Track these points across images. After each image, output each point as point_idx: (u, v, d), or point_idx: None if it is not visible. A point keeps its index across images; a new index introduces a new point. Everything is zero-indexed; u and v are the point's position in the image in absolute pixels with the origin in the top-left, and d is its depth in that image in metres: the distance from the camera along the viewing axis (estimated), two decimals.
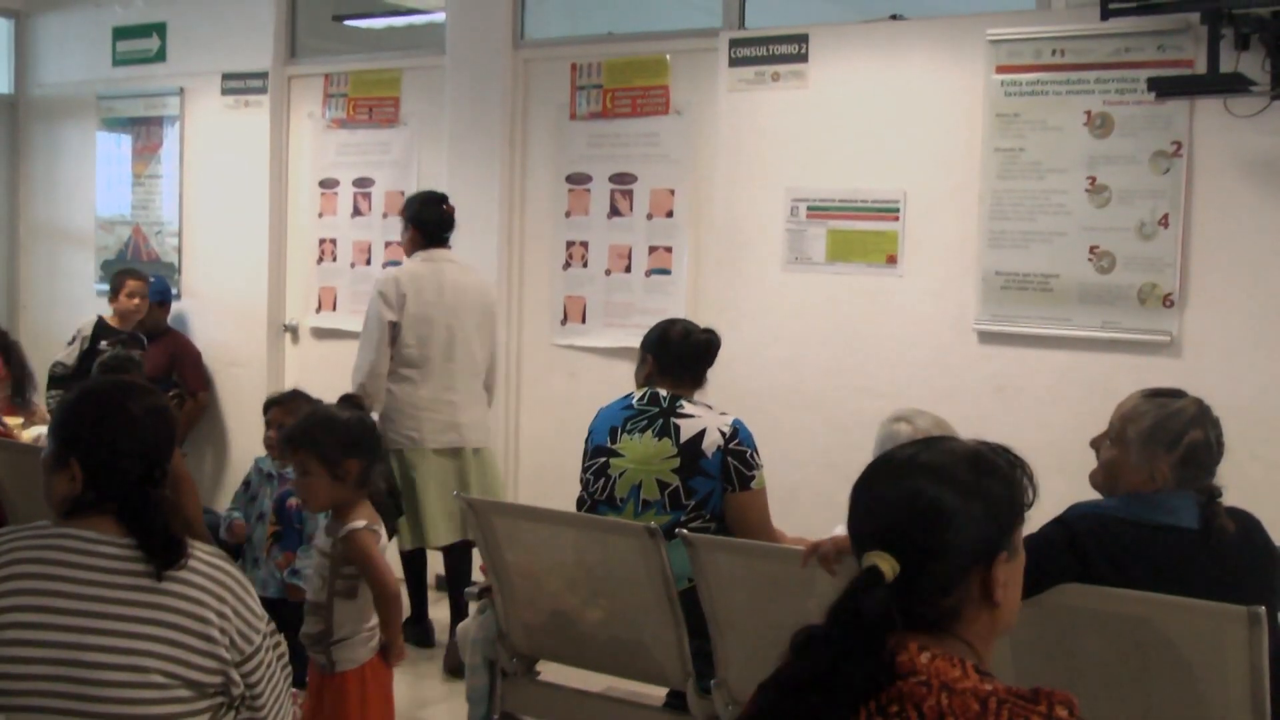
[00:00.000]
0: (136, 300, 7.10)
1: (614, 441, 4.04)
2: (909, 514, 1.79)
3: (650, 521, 3.64)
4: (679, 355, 4.15)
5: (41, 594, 2.31)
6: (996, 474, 1.85)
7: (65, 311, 8.10)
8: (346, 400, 3.97)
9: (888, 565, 1.74)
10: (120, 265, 7.59)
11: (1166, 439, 3.01)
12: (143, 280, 7.16)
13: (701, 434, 3.93)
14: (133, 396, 2.48)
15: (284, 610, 4.82)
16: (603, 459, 4.05)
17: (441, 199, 5.68)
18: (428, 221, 5.60)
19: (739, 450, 3.94)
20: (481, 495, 5.27)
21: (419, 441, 5.45)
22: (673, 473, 3.92)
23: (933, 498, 1.78)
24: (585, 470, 4.12)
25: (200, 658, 2.30)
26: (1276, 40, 4.46)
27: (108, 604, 2.30)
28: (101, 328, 7.06)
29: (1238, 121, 4.64)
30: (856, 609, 1.72)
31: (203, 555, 2.40)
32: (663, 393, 4.07)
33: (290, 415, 4.85)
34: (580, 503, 4.10)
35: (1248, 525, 3.02)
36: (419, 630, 5.68)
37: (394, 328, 5.42)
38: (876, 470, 1.88)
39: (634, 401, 4.09)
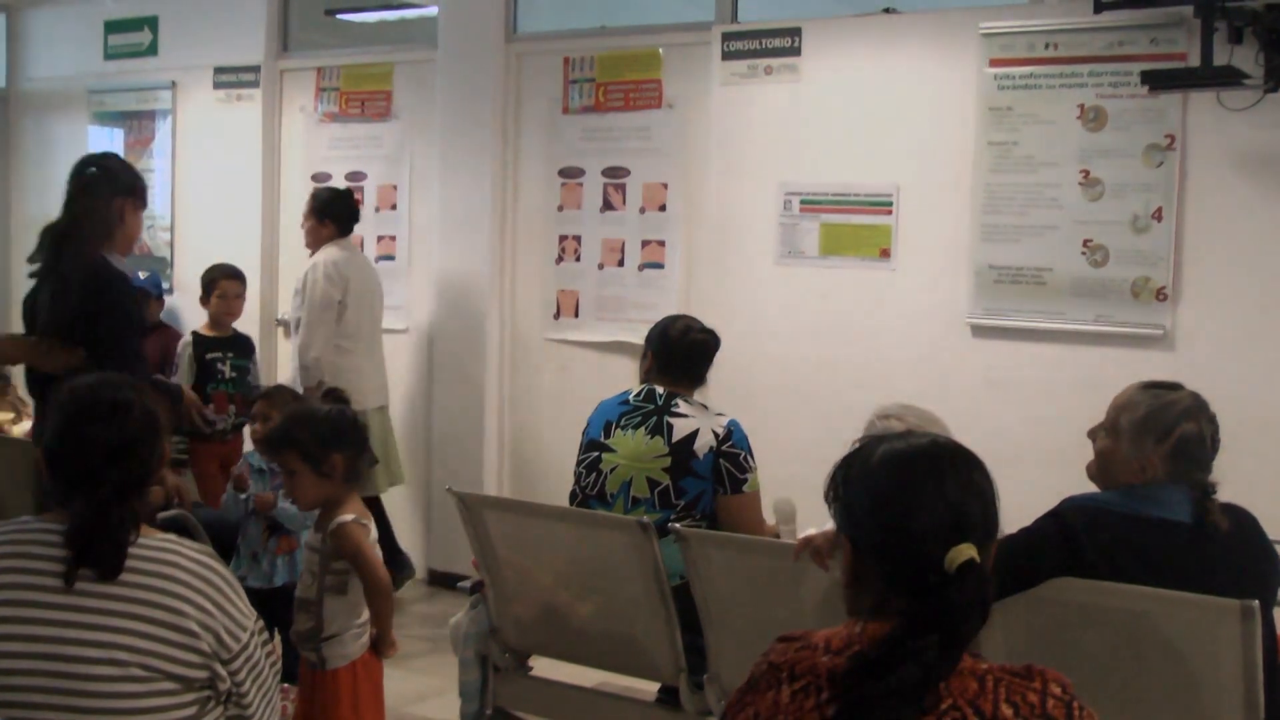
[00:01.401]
0: (230, 300, 6.44)
1: (607, 436, 4.03)
2: (981, 502, 1.85)
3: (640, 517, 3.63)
4: (676, 353, 4.14)
5: (23, 588, 2.31)
6: None
7: None
8: (329, 394, 3.95)
9: (976, 554, 1.78)
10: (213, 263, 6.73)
11: (1158, 430, 3.01)
12: (238, 279, 6.47)
13: (694, 435, 3.92)
14: (108, 397, 2.48)
15: (284, 601, 4.82)
16: (595, 454, 4.04)
17: (349, 194, 6.38)
18: (341, 214, 6.23)
19: (732, 452, 3.92)
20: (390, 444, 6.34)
21: (363, 403, 5.90)
22: (663, 471, 3.90)
23: (985, 484, 1.87)
24: (579, 464, 4.11)
25: (180, 651, 2.30)
26: (1269, 33, 4.45)
27: (85, 597, 2.30)
28: (200, 343, 6.34)
29: (1231, 114, 4.64)
30: (984, 600, 1.76)
31: (186, 551, 2.39)
32: (659, 390, 4.05)
33: (275, 409, 4.85)
34: (573, 497, 4.09)
35: (1243, 522, 3.01)
36: (396, 561, 6.00)
37: (340, 306, 6.08)
38: (923, 464, 1.87)
39: (631, 397, 4.08)
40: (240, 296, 6.46)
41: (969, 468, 1.87)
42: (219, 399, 6.16)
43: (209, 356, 6.26)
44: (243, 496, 4.81)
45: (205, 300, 6.41)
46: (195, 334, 6.40)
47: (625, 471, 3.95)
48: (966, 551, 1.76)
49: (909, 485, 1.84)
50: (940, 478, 1.84)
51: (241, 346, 6.44)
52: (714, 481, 3.90)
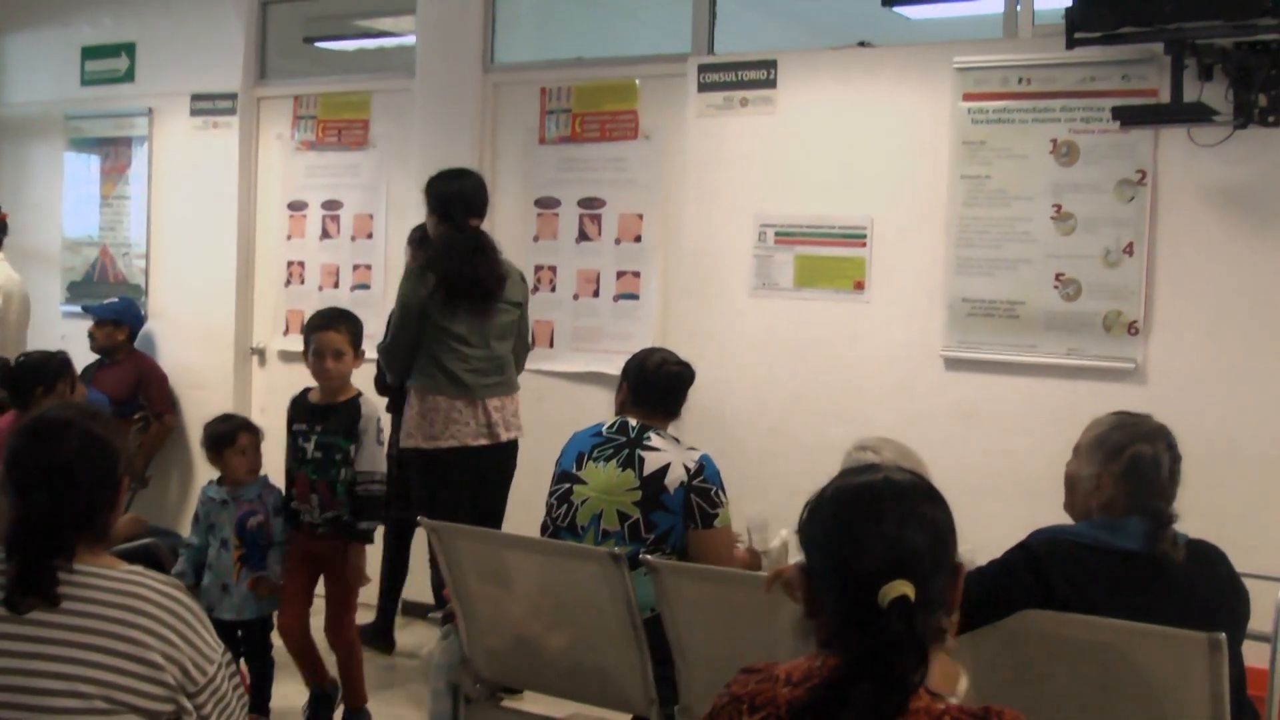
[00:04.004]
0: (324, 358, 4.82)
1: (579, 468, 4.03)
2: (930, 536, 1.86)
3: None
4: (651, 386, 4.15)
5: None
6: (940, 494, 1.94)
7: (31, 333, 8.04)
8: None
9: (911, 590, 1.79)
10: (322, 309, 5.21)
11: (1110, 447, 3.04)
12: (334, 329, 4.86)
13: (665, 469, 3.92)
14: (49, 418, 2.47)
15: (256, 632, 4.81)
16: (567, 485, 4.04)
17: None
18: None
19: (703, 487, 3.92)
20: None
21: None
22: (634, 505, 3.90)
23: (935, 520, 1.88)
24: (550, 495, 4.11)
25: (143, 683, 2.28)
26: (1239, 70, 4.49)
27: (46, 628, 2.29)
28: (293, 408, 4.98)
29: (1201, 150, 4.67)
30: (912, 635, 1.76)
31: (151, 583, 2.37)
32: (632, 422, 4.06)
33: (250, 436, 4.86)
34: (544, 528, 4.08)
35: (1209, 556, 3.03)
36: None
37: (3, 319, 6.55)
38: (864, 501, 1.90)
39: (604, 429, 4.08)
40: (339, 355, 4.82)
41: (916, 501, 1.88)
42: (299, 483, 4.81)
43: (295, 427, 4.90)
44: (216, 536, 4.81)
45: (305, 357, 4.97)
46: (302, 394, 5.03)
47: (596, 504, 3.94)
48: (899, 588, 1.78)
49: (848, 522, 1.88)
50: (879, 516, 1.86)
51: (338, 419, 4.82)
52: (684, 516, 3.90)
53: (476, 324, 5.16)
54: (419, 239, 5.62)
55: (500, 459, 5.31)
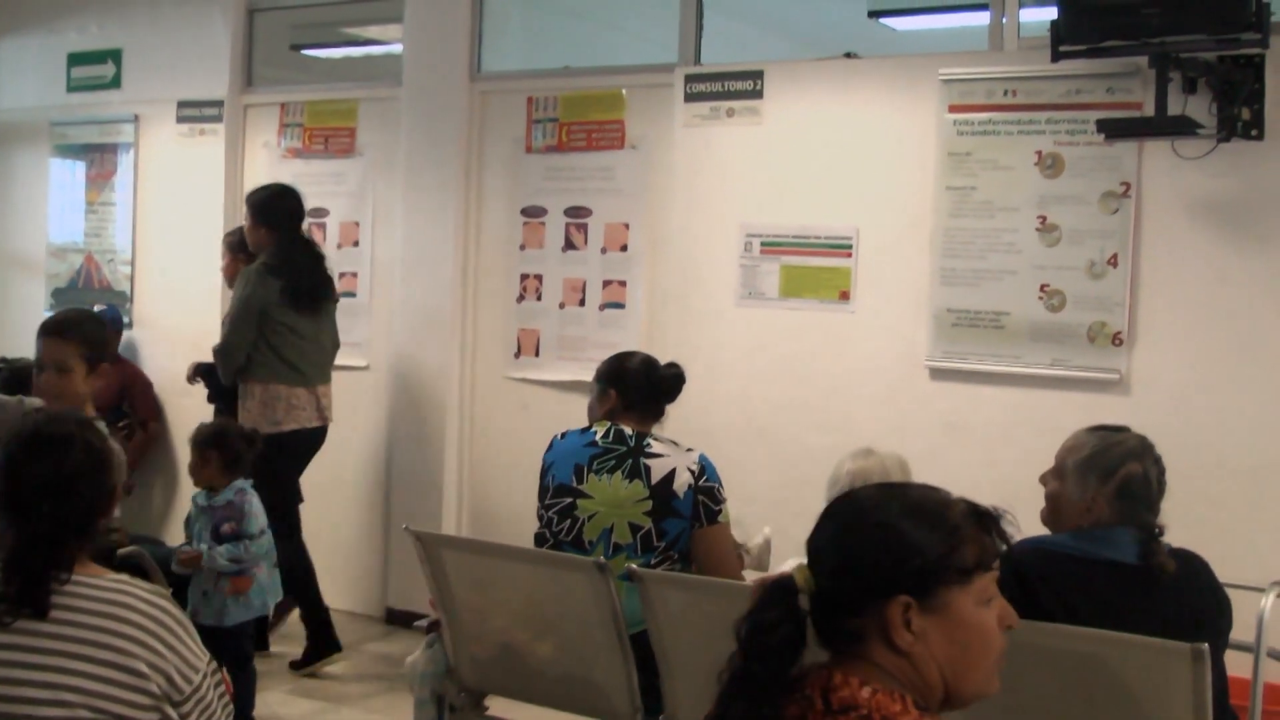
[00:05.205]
0: (46, 373, 3.85)
1: (580, 481, 3.92)
2: (828, 532, 1.91)
3: (622, 564, 3.60)
4: (647, 391, 4.09)
5: None
6: (927, 522, 1.87)
7: (14, 339, 8.02)
8: None
9: (803, 577, 1.85)
10: (58, 312, 4.78)
11: (1102, 469, 3.05)
12: (60, 335, 3.91)
13: (672, 474, 3.86)
14: (48, 432, 2.47)
15: (239, 639, 4.80)
16: (568, 499, 3.93)
17: None
18: None
19: (708, 487, 3.89)
20: None
21: None
22: (645, 515, 3.83)
23: (848, 521, 1.90)
24: (547, 509, 3.99)
25: (128, 693, 2.28)
26: (1223, 84, 4.52)
27: (31, 636, 2.28)
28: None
29: (1185, 163, 4.70)
30: (777, 618, 1.83)
31: (137, 592, 2.37)
32: (628, 430, 3.97)
33: (220, 449, 4.87)
34: (540, 540, 3.99)
35: (1193, 565, 3.05)
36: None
37: None
38: (833, 504, 1.98)
39: (598, 439, 3.97)
40: (63, 370, 3.81)
41: (871, 512, 1.90)
42: None
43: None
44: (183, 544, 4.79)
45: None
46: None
47: (605, 518, 3.86)
48: (793, 569, 1.88)
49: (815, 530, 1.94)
50: (829, 517, 1.94)
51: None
52: (692, 518, 3.86)
53: (309, 321, 5.82)
54: (238, 243, 6.15)
55: (322, 439, 5.97)
